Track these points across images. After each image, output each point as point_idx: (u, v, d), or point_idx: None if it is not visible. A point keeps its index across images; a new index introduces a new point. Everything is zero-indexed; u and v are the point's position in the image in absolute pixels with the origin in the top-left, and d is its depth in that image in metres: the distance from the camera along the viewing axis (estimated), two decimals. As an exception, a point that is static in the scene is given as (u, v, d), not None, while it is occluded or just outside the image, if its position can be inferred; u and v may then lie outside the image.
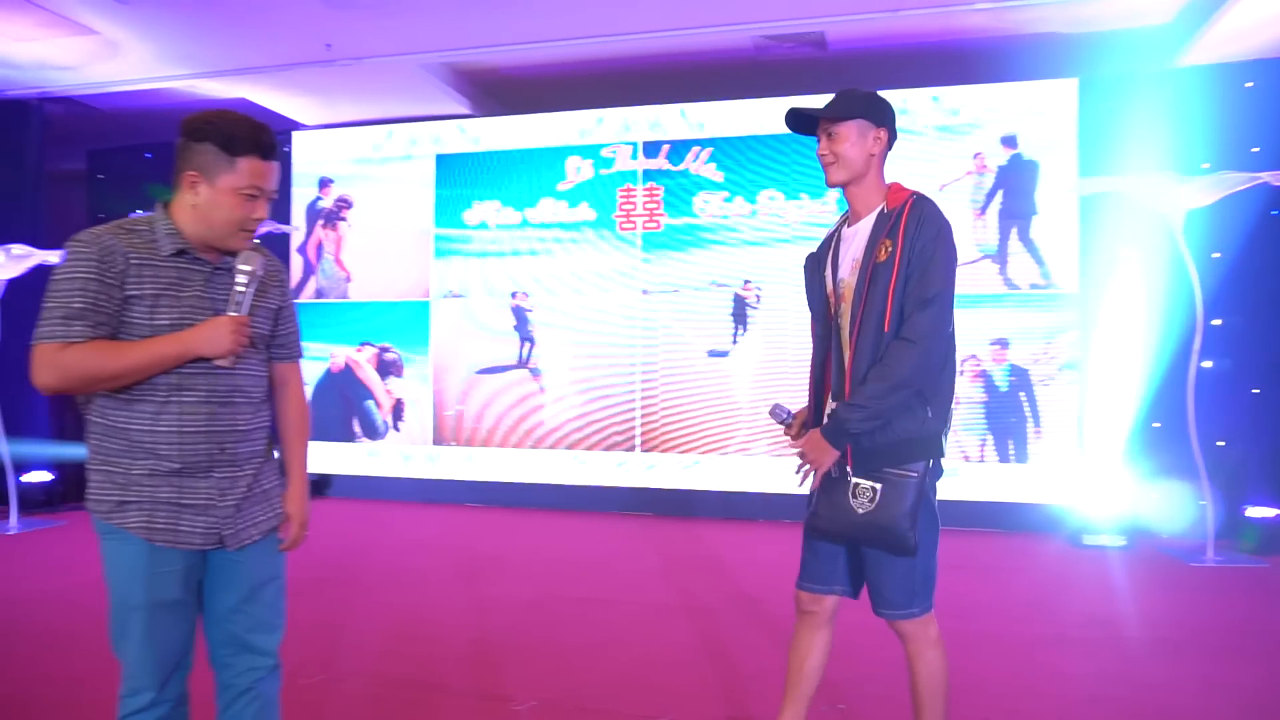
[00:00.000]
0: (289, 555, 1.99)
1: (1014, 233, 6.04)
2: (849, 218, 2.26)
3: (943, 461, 2.22)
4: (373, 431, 7.30)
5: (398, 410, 7.27)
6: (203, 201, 1.78)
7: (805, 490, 2.31)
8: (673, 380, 6.55)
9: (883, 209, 2.16)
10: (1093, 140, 5.86)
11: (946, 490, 5.96)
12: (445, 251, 7.16)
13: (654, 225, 6.68)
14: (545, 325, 6.91)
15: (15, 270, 5.92)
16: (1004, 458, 5.97)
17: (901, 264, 2.06)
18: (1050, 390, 5.92)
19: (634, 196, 6.72)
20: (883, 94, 2.22)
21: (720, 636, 3.63)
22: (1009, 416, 5.98)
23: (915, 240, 2.07)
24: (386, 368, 7.31)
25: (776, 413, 2.33)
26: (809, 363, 2.33)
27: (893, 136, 2.22)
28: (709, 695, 3.00)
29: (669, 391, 6.56)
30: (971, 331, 6.03)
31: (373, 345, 7.34)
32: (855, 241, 2.19)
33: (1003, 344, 6.01)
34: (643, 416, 6.64)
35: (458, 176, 7.14)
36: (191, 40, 5.85)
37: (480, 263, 7.06)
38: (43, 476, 6.82)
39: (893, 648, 3.47)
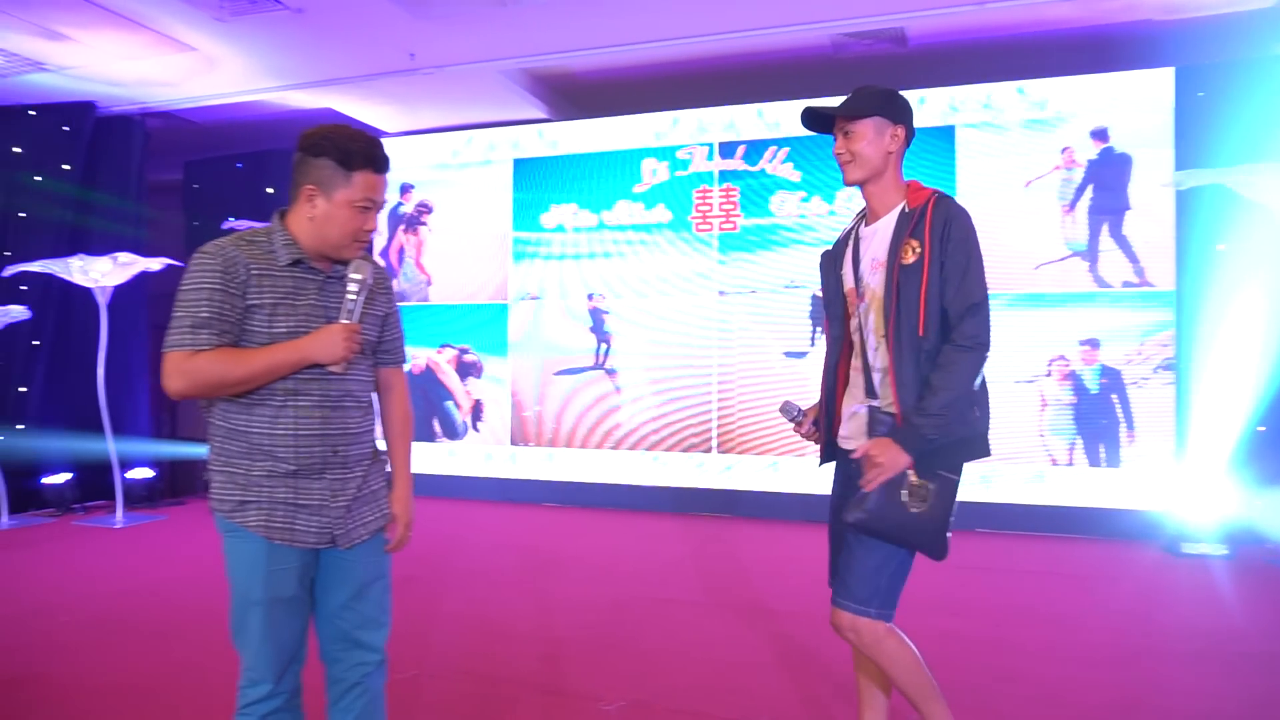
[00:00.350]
0: None
1: (1105, 229, 5.84)
2: (866, 216, 2.24)
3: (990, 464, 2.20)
4: (452, 432, 7.46)
5: (477, 411, 7.41)
6: (319, 214, 1.85)
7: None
8: (749, 382, 6.52)
9: (904, 208, 2.14)
10: (1190, 131, 5.63)
11: (1034, 494, 5.82)
12: (523, 254, 7.26)
13: (730, 226, 6.66)
14: (621, 327, 6.95)
15: (121, 277, 6.23)
16: (1094, 461, 5.78)
17: (932, 267, 2.05)
18: (1144, 392, 5.71)
19: (710, 198, 6.72)
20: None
21: (804, 640, 3.61)
22: (1100, 419, 5.78)
23: (945, 242, 2.05)
24: (466, 369, 7.45)
25: (787, 409, 2.33)
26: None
27: (910, 134, 2.20)
28: (795, 700, 2.99)
29: (746, 393, 6.54)
30: (1060, 331, 5.86)
31: (453, 347, 7.49)
32: (875, 241, 2.17)
33: (1093, 344, 5.81)
34: (719, 418, 6.63)
35: (535, 180, 7.24)
36: (282, 54, 6.06)
37: (557, 265, 7.15)
38: (144, 473, 7.15)
39: (989, 653, 3.41)
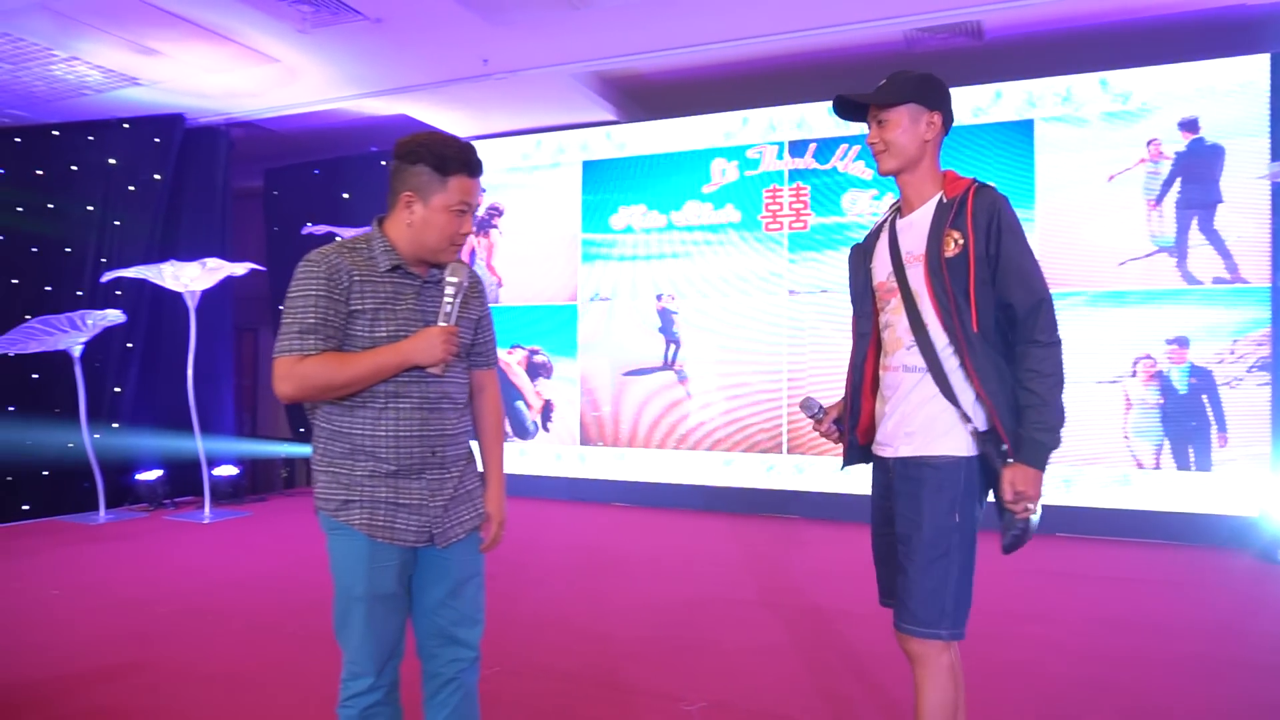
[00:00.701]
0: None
1: (1194, 223, 5.63)
2: (901, 208, 2.15)
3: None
4: (523, 432, 7.56)
5: (547, 411, 7.50)
6: (417, 219, 1.90)
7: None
8: (820, 382, 6.47)
9: (941, 198, 2.06)
10: (1287, 121, 5.39)
11: (1118, 499, 5.65)
12: (592, 256, 7.32)
13: (800, 225, 6.61)
14: (690, 327, 6.96)
15: (209, 281, 6.47)
16: (1183, 465, 5.57)
17: (978, 260, 1.97)
18: (1237, 392, 5.49)
19: (780, 197, 6.68)
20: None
21: (881, 645, 3.55)
22: (1189, 421, 5.58)
23: (994, 234, 1.97)
24: (536, 370, 7.55)
25: (808, 406, 2.26)
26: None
27: (948, 120, 2.10)
28: (878, 704, 2.96)
29: (817, 393, 6.45)
30: (1145, 330, 5.67)
31: (523, 348, 7.59)
32: (912, 234, 2.08)
33: (1182, 343, 5.61)
34: (790, 419, 6.59)
35: (604, 182, 7.29)
36: (361, 63, 6.22)
37: (626, 266, 7.19)
38: (229, 470, 7.41)
39: (1078, 664, 3.32)
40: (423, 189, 1.89)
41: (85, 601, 4.27)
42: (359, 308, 1.88)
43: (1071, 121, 5.93)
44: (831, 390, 6.38)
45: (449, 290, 1.93)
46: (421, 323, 1.93)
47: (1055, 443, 1.98)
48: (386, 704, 1.98)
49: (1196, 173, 5.63)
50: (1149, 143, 5.75)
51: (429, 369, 1.90)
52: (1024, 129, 6.04)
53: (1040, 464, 1.98)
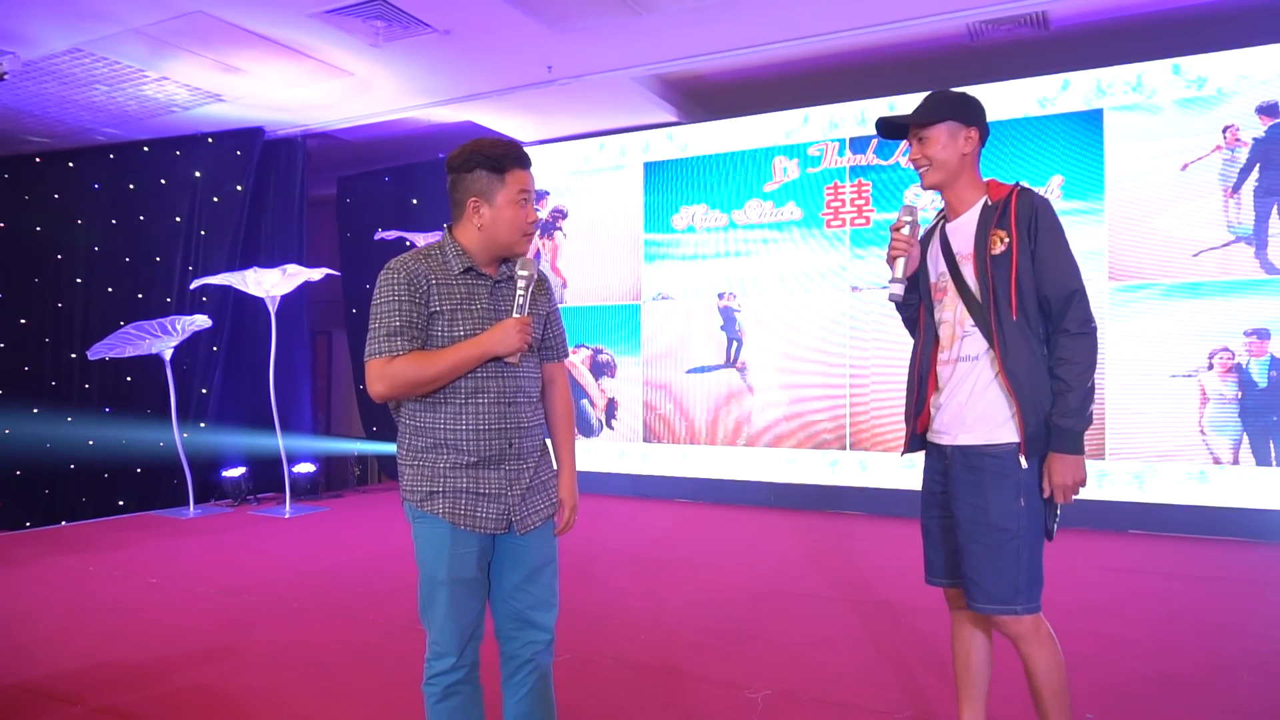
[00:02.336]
0: None
1: (1274, 211, 5.46)
2: (948, 215, 2.28)
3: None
4: (587, 429, 7.69)
5: (611, 409, 7.62)
6: (487, 220, 2.03)
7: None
8: (883, 378, 6.45)
9: (986, 201, 2.19)
10: (1374, 103, 5.20)
11: (1194, 495, 5.56)
12: (654, 256, 7.42)
13: (863, 222, 6.60)
14: (753, 324, 7.00)
15: (288, 287, 6.75)
16: (1263, 460, 5.41)
17: (1021, 255, 2.10)
18: (1322, 386, 5.31)
19: (842, 193, 6.68)
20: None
21: (945, 636, 3.57)
22: (1269, 415, 5.41)
23: (1034, 231, 2.10)
24: (600, 368, 7.68)
25: (910, 211, 2.26)
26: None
27: (984, 134, 2.23)
28: (942, 695, 2.98)
29: (880, 390, 6.47)
30: (1222, 322, 5.52)
31: (587, 347, 7.73)
32: (960, 236, 2.22)
33: (1262, 335, 5.45)
34: (853, 414, 6.58)
35: (666, 183, 7.39)
36: (430, 73, 6.43)
37: (688, 265, 7.27)
38: (307, 468, 7.72)
39: (1147, 659, 3.30)
40: (485, 191, 2.02)
41: (180, 589, 4.53)
42: (438, 309, 2.01)
43: (1143, 109, 5.80)
44: (892, 385, 6.37)
45: (520, 283, 2.05)
46: (495, 319, 2.05)
47: (1082, 425, 2.07)
48: (467, 682, 2.10)
49: (1276, 159, 5.46)
50: (1225, 129, 5.59)
51: (507, 359, 2.02)
52: (1093, 118, 5.93)
53: (1071, 448, 2.07)
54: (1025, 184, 2.20)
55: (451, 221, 2.12)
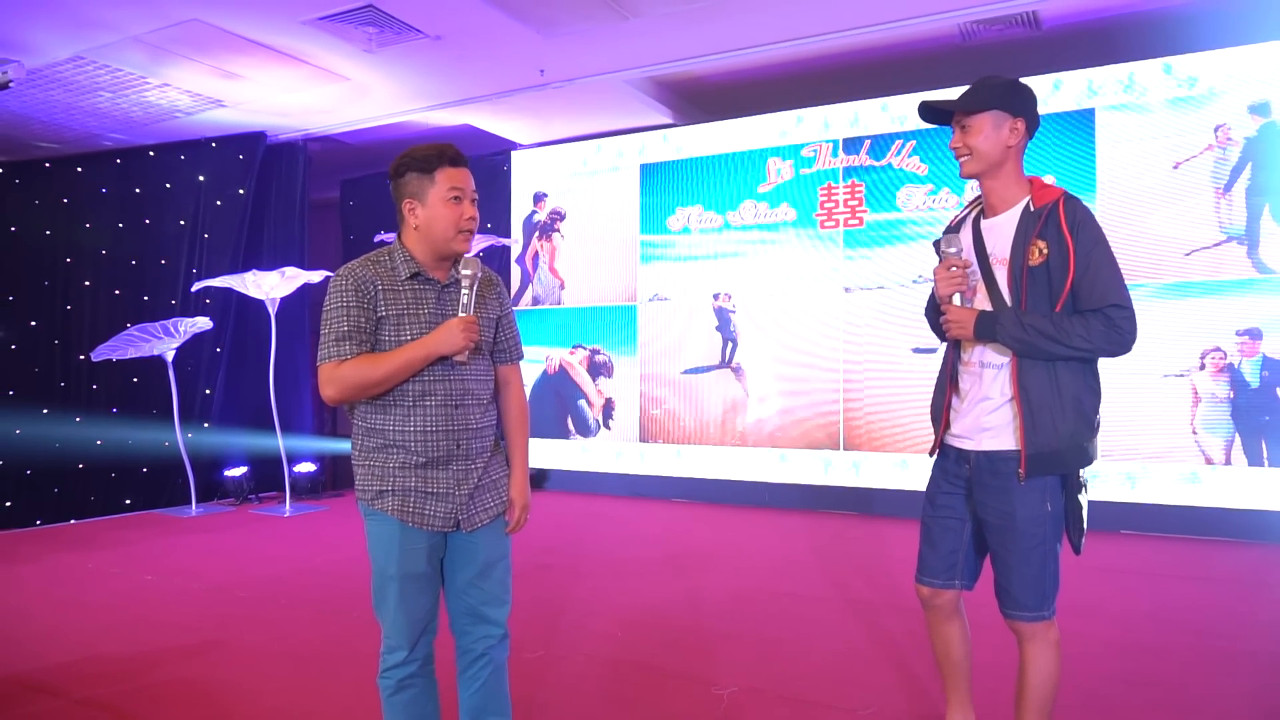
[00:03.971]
0: (514, 540, 2.26)
1: (1266, 210, 5.45)
2: (984, 210, 2.21)
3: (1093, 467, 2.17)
4: (585, 429, 7.75)
5: (608, 409, 7.67)
6: (422, 219, 2.09)
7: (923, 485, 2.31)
8: (876, 378, 6.46)
9: (1028, 205, 2.11)
10: (1365, 102, 5.17)
11: (1186, 495, 5.57)
12: (650, 257, 7.47)
13: (856, 222, 6.62)
14: (747, 325, 7.04)
15: (287, 289, 6.85)
16: (1255, 461, 5.39)
17: (1076, 271, 2.02)
18: (1314, 386, 5.29)
19: (835, 194, 6.70)
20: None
21: (922, 636, 3.60)
22: (1261, 415, 5.39)
23: (1077, 245, 2.01)
24: (597, 369, 7.73)
25: (950, 242, 2.17)
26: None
27: (1033, 125, 2.15)
28: (910, 691, 3.02)
29: (873, 390, 6.48)
30: (1214, 321, 5.51)
31: (584, 348, 7.79)
32: (996, 237, 2.15)
33: (1254, 335, 5.43)
34: (846, 415, 6.61)
35: (661, 184, 7.43)
36: (425, 78, 6.51)
37: (684, 266, 7.31)
38: (308, 467, 7.82)
39: (1118, 659, 3.32)
40: (417, 192, 2.09)
41: (174, 586, 4.63)
42: (384, 314, 2.07)
43: (1134, 109, 5.79)
44: (885, 386, 6.38)
45: (464, 282, 2.10)
46: (443, 321, 2.11)
47: (1011, 330, 2.05)
48: (421, 675, 2.16)
49: (1268, 158, 5.44)
50: (1217, 128, 5.58)
51: (454, 358, 2.07)
52: (1085, 118, 5.92)
53: (982, 323, 2.08)
54: (1068, 191, 2.12)
55: (398, 229, 2.18)
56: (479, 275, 2.13)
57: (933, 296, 2.31)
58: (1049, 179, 5.95)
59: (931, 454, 2.36)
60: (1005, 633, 2.25)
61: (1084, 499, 2.12)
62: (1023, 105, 2.12)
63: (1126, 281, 2.07)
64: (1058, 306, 2.03)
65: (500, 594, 2.22)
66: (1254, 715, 2.82)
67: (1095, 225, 2.05)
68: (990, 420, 2.14)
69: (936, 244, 2.20)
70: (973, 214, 2.24)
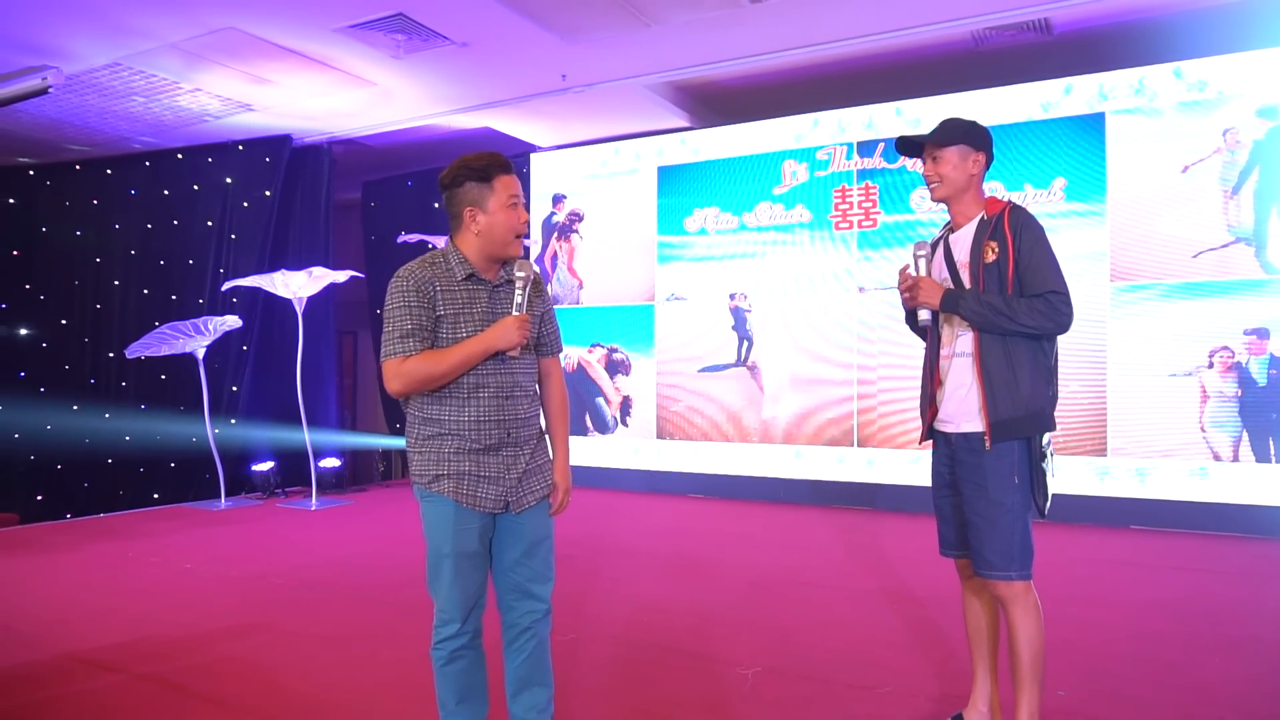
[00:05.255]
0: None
1: (1273, 212, 5.56)
2: (952, 225, 2.56)
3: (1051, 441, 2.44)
4: (603, 426, 7.91)
5: (625, 407, 7.83)
6: (483, 226, 2.24)
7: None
8: (889, 376, 6.60)
9: (983, 216, 2.47)
10: (1370, 106, 5.27)
11: (1195, 491, 5.72)
12: (667, 257, 7.62)
13: (870, 224, 6.76)
14: (763, 324, 7.18)
15: (314, 289, 7.03)
16: (1263, 457, 5.51)
17: (1015, 264, 2.36)
18: (1321, 384, 5.40)
19: (849, 196, 6.84)
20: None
21: (936, 622, 3.74)
22: (1268, 413, 5.51)
23: (1019, 242, 2.37)
24: (615, 367, 7.89)
25: (920, 246, 2.53)
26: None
27: (989, 159, 2.51)
28: (925, 673, 3.16)
29: (886, 388, 6.62)
30: (1223, 321, 5.62)
31: (602, 346, 7.95)
32: (960, 246, 2.50)
33: (1261, 334, 5.55)
34: (860, 412, 6.74)
35: (679, 186, 7.59)
36: (449, 83, 6.68)
37: (700, 267, 7.46)
38: (333, 463, 7.99)
39: (1125, 643, 3.46)
40: (478, 200, 2.24)
41: (213, 573, 4.81)
42: (442, 313, 2.23)
43: (1145, 113, 5.91)
44: (900, 384, 6.52)
45: (518, 284, 2.27)
46: (494, 320, 2.26)
47: (970, 304, 2.38)
48: (470, 648, 2.32)
49: (1276, 161, 5.55)
50: (1225, 132, 5.69)
51: (508, 353, 2.23)
52: (1095, 122, 6.05)
53: (948, 297, 2.42)
54: (1014, 202, 2.49)
55: (450, 233, 2.33)
56: (531, 277, 2.29)
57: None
58: (1060, 182, 6.09)
59: (921, 442, 2.68)
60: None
61: (1048, 467, 2.40)
62: (983, 141, 2.49)
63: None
64: (1008, 290, 2.38)
65: (545, 571, 2.37)
66: (1258, 696, 2.95)
67: (1036, 227, 2.41)
68: (966, 405, 2.44)
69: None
70: (944, 235, 2.60)
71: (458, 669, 2.30)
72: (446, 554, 2.26)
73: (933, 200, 2.56)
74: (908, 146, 2.57)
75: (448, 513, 2.25)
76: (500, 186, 2.24)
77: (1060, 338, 2.44)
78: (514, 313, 2.26)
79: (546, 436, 2.46)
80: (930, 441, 2.63)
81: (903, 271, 2.54)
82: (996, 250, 2.40)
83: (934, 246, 2.59)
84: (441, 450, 2.25)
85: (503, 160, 2.28)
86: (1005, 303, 2.33)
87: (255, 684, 3.12)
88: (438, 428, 2.26)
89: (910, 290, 2.49)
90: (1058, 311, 2.32)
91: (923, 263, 2.51)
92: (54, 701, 2.98)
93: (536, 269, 2.41)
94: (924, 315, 2.53)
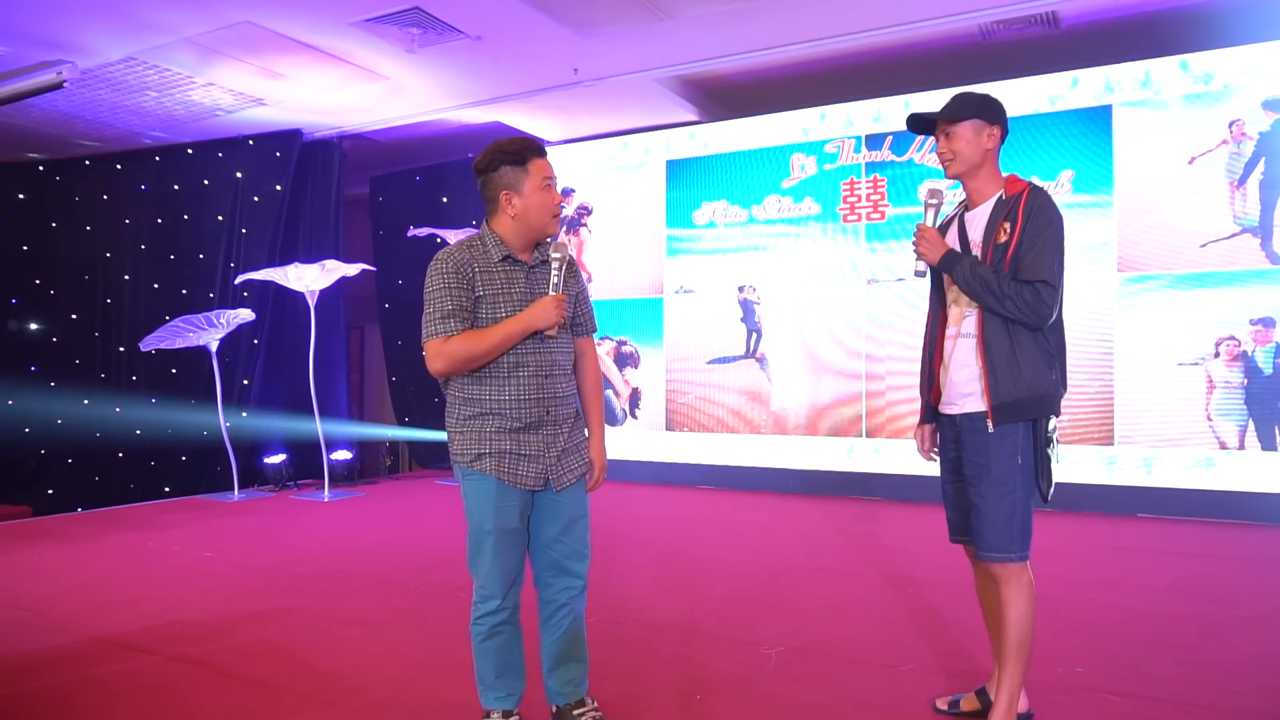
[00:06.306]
0: None
1: (1279, 203, 5.62)
2: (968, 203, 2.51)
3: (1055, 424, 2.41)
4: (612, 419, 7.96)
5: (634, 399, 7.88)
6: (519, 209, 2.30)
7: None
8: (898, 368, 6.66)
9: (1001, 195, 2.42)
10: (1375, 98, 5.34)
11: (1201, 479, 5.82)
12: (676, 250, 7.68)
13: (878, 216, 6.81)
14: (771, 316, 7.24)
15: (326, 282, 7.08)
16: (1268, 445, 5.58)
17: (1017, 244, 2.33)
18: (1326, 372, 5.47)
19: (858, 189, 6.90)
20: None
21: (950, 604, 3.80)
22: (1274, 401, 5.58)
23: (1028, 223, 2.32)
24: (624, 359, 7.94)
25: (935, 194, 2.49)
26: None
27: (1005, 132, 2.45)
28: (945, 651, 3.22)
29: (895, 379, 6.68)
30: (1228, 311, 5.69)
31: (612, 339, 8.00)
32: (976, 225, 2.46)
33: (1267, 323, 5.61)
34: (869, 403, 6.80)
35: (687, 179, 7.64)
36: (462, 77, 6.73)
37: (709, 259, 7.51)
38: (344, 455, 8.04)
39: (1139, 624, 3.52)
40: (514, 183, 2.30)
41: (234, 562, 4.86)
42: (481, 294, 2.28)
43: (1151, 105, 5.97)
44: (908, 375, 6.58)
45: (554, 264, 2.33)
46: (532, 300, 2.32)
47: (964, 273, 2.35)
48: (509, 623, 2.38)
49: (1281, 152, 5.62)
50: (1231, 124, 5.76)
51: (546, 332, 2.29)
52: (1102, 114, 6.11)
53: (947, 257, 2.39)
54: (1037, 180, 2.40)
55: (487, 217, 2.39)
56: (566, 259, 2.34)
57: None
58: (1067, 174, 6.14)
59: (920, 423, 2.68)
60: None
61: (1053, 452, 2.39)
62: (997, 115, 2.43)
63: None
64: (1005, 270, 2.34)
65: (581, 549, 2.43)
66: (1274, 673, 3.01)
67: (1051, 212, 2.34)
68: (968, 387, 2.41)
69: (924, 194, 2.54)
70: (959, 212, 2.56)
71: (497, 644, 2.36)
72: (488, 531, 2.31)
73: (947, 177, 2.47)
74: (920, 124, 2.52)
75: (490, 490, 2.31)
76: (534, 169, 2.30)
77: (1068, 328, 2.44)
78: (550, 293, 2.31)
79: (582, 415, 2.52)
80: (921, 426, 2.65)
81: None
82: (1008, 230, 2.34)
83: (946, 227, 2.55)
84: (483, 429, 2.31)
85: (536, 144, 2.34)
86: (997, 280, 2.30)
87: (288, 664, 3.18)
88: (479, 407, 2.31)
89: (916, 239, 2.46)
90: (1041, 303, 2.27)
91: (931, 212, 2.47)
92: (92, 680, 3.03)
93: (571, 251, 2.47)
94: (920, 265, 2.50)
